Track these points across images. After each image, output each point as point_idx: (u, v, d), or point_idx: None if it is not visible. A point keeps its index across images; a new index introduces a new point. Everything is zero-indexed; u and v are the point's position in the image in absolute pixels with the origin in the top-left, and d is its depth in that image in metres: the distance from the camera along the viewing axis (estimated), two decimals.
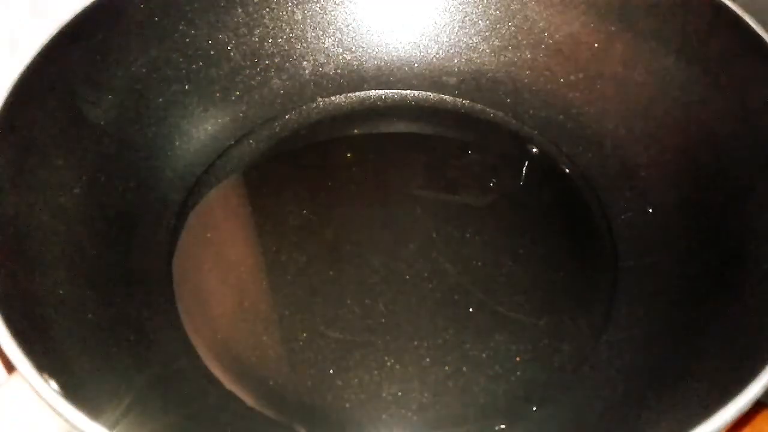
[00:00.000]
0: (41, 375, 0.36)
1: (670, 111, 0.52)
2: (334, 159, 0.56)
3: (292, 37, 0.59)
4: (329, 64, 0.60)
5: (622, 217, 0.52)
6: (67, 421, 0.36)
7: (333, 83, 0.60)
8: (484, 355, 0.46)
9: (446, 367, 0.46)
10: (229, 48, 0.57)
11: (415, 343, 0.46)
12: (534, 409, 0.45)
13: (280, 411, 0.45)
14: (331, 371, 0.46)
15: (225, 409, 0.45)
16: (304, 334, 0.48)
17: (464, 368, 0.46)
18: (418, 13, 0.60)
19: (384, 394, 0.45)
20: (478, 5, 0.59)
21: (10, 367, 0.43)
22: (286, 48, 0.59)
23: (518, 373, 0.46)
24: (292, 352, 0.47)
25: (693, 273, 0.47)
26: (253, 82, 0.57)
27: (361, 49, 0.60)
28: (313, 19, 0.59)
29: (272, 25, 0.58)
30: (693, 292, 0.46)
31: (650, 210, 0.52)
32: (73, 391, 0.37)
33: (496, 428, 0.44)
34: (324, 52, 0.60)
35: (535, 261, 0.49)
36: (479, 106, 0.59)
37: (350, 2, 0.60)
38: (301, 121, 0.59)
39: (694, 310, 0.45)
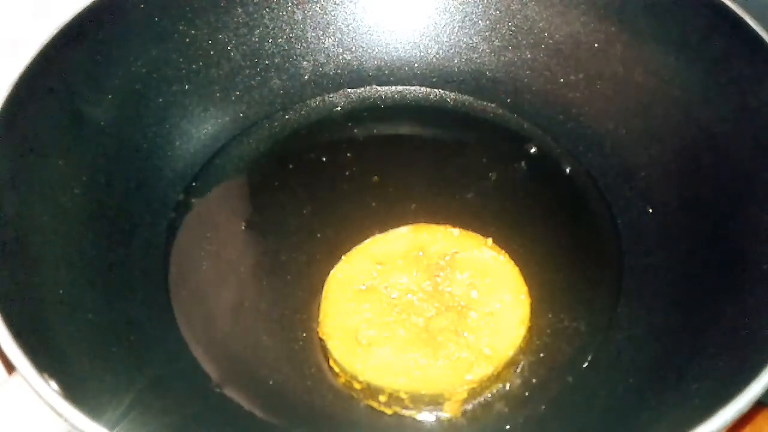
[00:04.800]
0: (41, 375, 0.36)
1: (670, 111, 0.52)
2: (333, 159, 0.56)
3: (292, 37, 0.59)
4: (329, 63, 0.60)
5: (623, 217, 0.52)
6: (67, 421, 0.36)
7: (333, 83, 0.60)
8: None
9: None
10: (229, 48, 0.57)
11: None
12: (535, 409, 0.45)
13: (280, 411, 0.45)
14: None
15: (225, 408, 0.45)
16: (304, 334, 0.48)
17: None
18: (418, 13, 0.60)
19: None
20: (478, 5, 0.59)
21: (10, 367, 0.43)
22: (286, 48, 0.59)
23: (519, 373, 0.46)
24: (292, 352, 0.47)
25: (693, 273, 0.47)
26: (253, 82, 0.57)
27: (361, 49, 0.60)
28: (313, 19, 0.59)
29: (272, 25, 0.58)
30: (693, 292, 0.46)
31: (650, 210, 0.52)
32: (73, 391, 0.37)
33: (499, 429, 0.44)
34: (324, 52, 0.60)
35: (535, 261, 0.49)
36: (479, 106, 0.59)
37: (350, 2, 0.60)
38: (301, 120, 0.59)
39: (694, 310, 0.45)
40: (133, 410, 0.40)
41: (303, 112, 0.59)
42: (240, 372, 0.47)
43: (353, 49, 0.60)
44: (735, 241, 0.46)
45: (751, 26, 0.48)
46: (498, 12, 0.58)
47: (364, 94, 0.60)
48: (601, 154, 0.55)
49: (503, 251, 0.49)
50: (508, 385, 0.45)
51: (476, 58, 0.59)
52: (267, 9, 0.58)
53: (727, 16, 0.49)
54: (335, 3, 0.59)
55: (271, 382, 0.46)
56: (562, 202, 0.54)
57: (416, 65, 0.60)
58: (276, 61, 0.59)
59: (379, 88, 0.60)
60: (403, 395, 0.44)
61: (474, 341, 0.45)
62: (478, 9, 0.59)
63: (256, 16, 0.58)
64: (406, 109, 0.60)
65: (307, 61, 0.60)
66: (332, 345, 0.45)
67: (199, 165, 0.55)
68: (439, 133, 0.58)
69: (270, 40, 0.58)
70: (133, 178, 0.52)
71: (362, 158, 0.56)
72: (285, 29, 0.59)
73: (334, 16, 0.60)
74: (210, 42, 0.56)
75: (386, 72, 0.60)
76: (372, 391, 0.44)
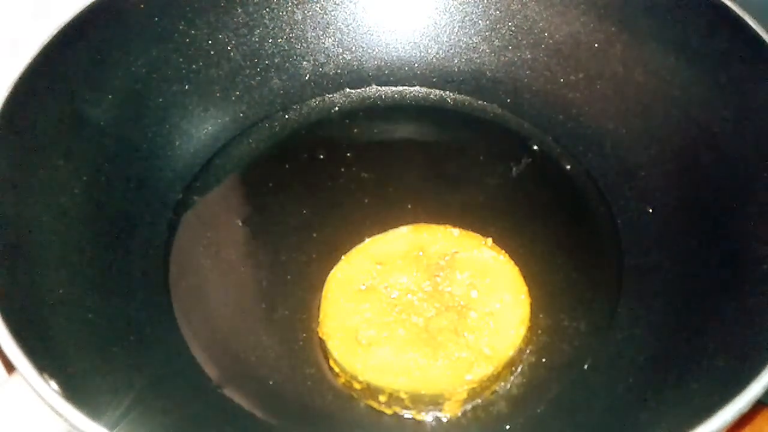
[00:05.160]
0: (41, 375, 0.36)
1: (670, 111, 0.52)
2: (333, 159, 0.56)
3: (292, 37, 0.59)
4: (329, 63, 0.60)
5: (623, 217, 0.52)
6: (67, 421, 0.36)
7: (333, 83, 0.60)
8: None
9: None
10: (229, 48, 0.57)
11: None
12: (535, 409, 0.45)
13: (280, 411, 0.45)
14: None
15: (225, 409, 0.45)
16: (304, 334, 0.48)
17: None
18: (418, 13, 0.60)
19: None
20: (478, 5, 0.59)
21: (10, 367, 0.43)
22: (286, 48, 0.59)
23: (519, 373, 0.46)
24: (292, 352, 0.47)
25: (693, 273, 0.47)
26: (253, 82, 0.58)
27: (361, 49, 0.60)
28: (313, 19, 0.59)
29: (272, 25, 0.58)
30: (693, 292, 0.46)
31: (650, 210, 0.52)
32: (73, 391, 0.37)
33: (499, 429, 0.44)
34: (324, 52, 0.60)
35: (535, 261, 0.49)
36: (479, 106, 0.59)
37: (350, 2, 0.60)
38: (301, 120, 0.59)
39: (694, 310, 0.45)
40: (133, 410, 0.40)
41: (303, 112, 0.59)
42: (240, 372, 0.47)
43: (353, 49, 0.60)
44: (735, 241, 0.46)
45: (751, 26, 0.48)
46: (498, 12, 0.58)
47: (364, 94, 0.60)
48: (601, 154, 0.55)
49: (503, 251, 0.49)
50: (508, 385, 0.45)
51: (476, 58, 0.59)
52: (267, 9, 0.58)
53: (727, 16, 0.49)
54: (335, 3, 0.59)
55: (271, 382, 0.46)
56: (562, 202, 0.54)
57: (416, 65, 0.60)
58: (276, 61, 0.59)
59: (379, 88, 0.60)
60: (403, 395, 0.44)
61: (474, 341, 0.45)
62: (478, 9, 0.59)
63: (256, 16, 0.58)
64: (406, 109, 0.60)
65: (307, 61, 0.60)
66: (332, 345, 0.45)
67: (199, 165, 0.55)
68: (439, 133, 0.58)
69: (270, 40, 0.58)
70: (133, 178, 0.52)
71: (362, 158, 0.56)
72: (285, 29, 0.59)
73: (334, 16, 0.60)
74: (210, 42, 0.56)
75: (386, 72, 0.60)
76: (372, 391, 0.44)
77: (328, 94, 0.60)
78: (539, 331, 0.47)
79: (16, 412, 0.43)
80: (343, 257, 0.49)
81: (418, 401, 0.44)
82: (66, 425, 0.36)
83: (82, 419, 0.35)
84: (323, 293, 0.48)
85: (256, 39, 0.58)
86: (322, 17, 0.59)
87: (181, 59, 0.55)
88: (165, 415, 0.42)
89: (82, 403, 0.36)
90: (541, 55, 0.58)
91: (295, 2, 0.59)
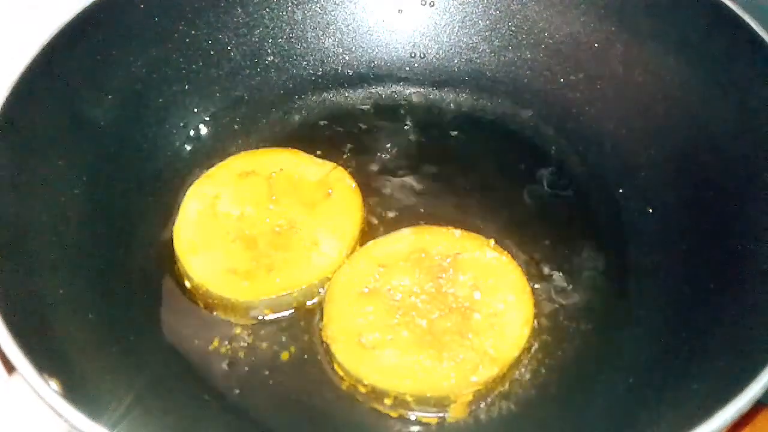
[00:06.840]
0: (41, 375, 0.36)
1: (670, 111, 0.52)
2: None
3: (292, 37, 0.59)
4: (329, 64, 0.60)
5: (623, 217, 0.52)
6: (67, 421, 0.36)
7: (333, 83, 0.60)
8: None
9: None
10: (229, 48, 0.57)
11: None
12: (535, 409, 0.45)
13: (284, 415, 0.45)
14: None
15: (226, 411, 0.45)
16: (307, 337, 0.48)
17: None
18: (418, 13, 0.60)
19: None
20: (478, 5, 0.59)
21: (10, 367, 0.43)
22: (286, 48, 0.59)
23: (522, 373, 0.46)
24: (295, 355, 0.47)
25: (693, 273, 0.47)
26: (253, 82, 0.57)
27: (360, 49, 0.60)
28: (313, 19, 0.59)
29: (272, 25, 0.58)
30: (693, 291, 0.46)
31: (650, 210, 0.52)
32: (73, 391, 0.37)
33: (500, 429, 0.44)
34: (324, 52, 0.60)
35: (536, 261, 0.49)
36: (479, 106, 0.59)
37: (350, 2, 0.60)
38: (301, 121, 0.59)
39: (694, 310, 0.45)
40: (133, 410, 0.40)
41: (303, 112, 0.59)
42: (241, 375, 0.47)
43: (353, 49, 0.60)
44: (735, 241, 0.46)
45: (751, 26, 0.48)
46: (498, 12, 0.58)
47: (363, 93, 0.60)
48: (601, 154, 0.55)
49: (505, 252, 0.49)
50: (510, 386, 0.45)
51: (476, 58, 0.59)
52: (267, 9, 0.58)
53: (727, 16, 0.49)
54: (335, 3, 0.59)
55: (273, 386, 0.46)
56: (562, 202, 0.54)
57: (416, 65, 0.60)
58: (276, 61, 0.59)
59: (379, 88, 0.60)
60: (408, 398, 0.44)
61: (479, 342, 0.45)
62: (478, 9, 0.59)
63: (256, 16, 0.58)
64: (406, 109, 0.60)
65: (306, 61, 0.60)
66: (336, 348, 0.45)
67: (199, 165, 0.55)
68: (439, 133, 0.58)
69: (270, 40, 0.58)
70: (133, 178, 0.52)
71: (361, 158, 0.56)
72: (285, 29, 0.59)
73: (334, 16, 0.60)
74: (210, 42, 0.56)
75: (386, 72, 0.60)
76: (377, 394, 0.44)
77: (328, 94, 0.60)
78: (540, 332, 0.47)
79: (16, 412, 0.43)
80: (345, 260, 0.49)
81: (424, 404, 0.44)
82: (66, 425, 0.36)
83: (82, 419, 0.35)
84: (326, 297, 0.47)
85: (256, 39, 0.58)
86: (322, 17, 0.59)
87: (181, 59, 0.55)
88: (165, 415, 0.42)
89: (82, 403, 0.36)
90: (541, 55, 0.58)
91: (295, 2, 0.59)
